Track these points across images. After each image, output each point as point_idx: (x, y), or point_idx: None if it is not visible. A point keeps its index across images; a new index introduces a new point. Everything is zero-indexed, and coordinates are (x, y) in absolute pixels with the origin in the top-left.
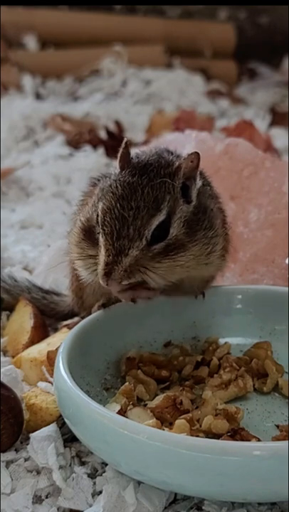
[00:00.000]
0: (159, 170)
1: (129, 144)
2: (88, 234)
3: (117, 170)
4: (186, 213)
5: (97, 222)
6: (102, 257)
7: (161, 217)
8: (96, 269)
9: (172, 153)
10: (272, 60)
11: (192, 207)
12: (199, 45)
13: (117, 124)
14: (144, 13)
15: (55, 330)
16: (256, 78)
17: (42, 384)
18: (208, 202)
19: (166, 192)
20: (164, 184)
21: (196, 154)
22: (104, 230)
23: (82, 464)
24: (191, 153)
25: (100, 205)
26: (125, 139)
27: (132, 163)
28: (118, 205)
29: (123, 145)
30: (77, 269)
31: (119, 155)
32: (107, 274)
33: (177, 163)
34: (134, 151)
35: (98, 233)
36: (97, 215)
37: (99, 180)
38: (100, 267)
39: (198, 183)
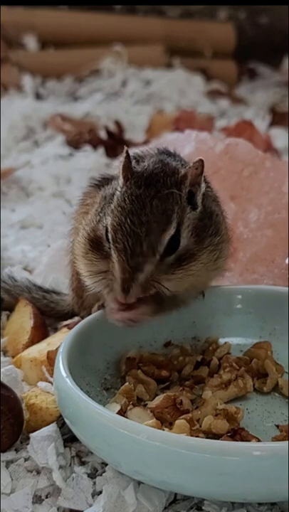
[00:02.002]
0: (165, 180)
1: (130, 153)
2: (95, 245)
3: (121, 181)
4: (193, 220)
5: (107, 237)
6: (117, 274)
7: (171, 230)
8: (104, 279)
9: (174, 156)
10: (272, 60)
11: (198, 213)
12: (199, 45)
13: (117, 124)
14: (144, 13)
15: (55, 330)
16: (256, 78)
17: (42, 384)
18: (213, 206)
19: (175, 203)
20: (171, 195)
21: (201, 161)
22: (116, 247)
23: (82, 463)
24: (196, 161)
25: (109, 220)
26: (126, 149)
27: (135, 174)
28: (128, 220)
29: (124, 154)
30: (85, 281)
31: (120, 165)
32: (125, 291)
33: (183, 172)
34: (133, 151)
35: (109, 248)
36: (106, 230)
37: (100, 181)
38: (117, 285)
39: (203, 187)
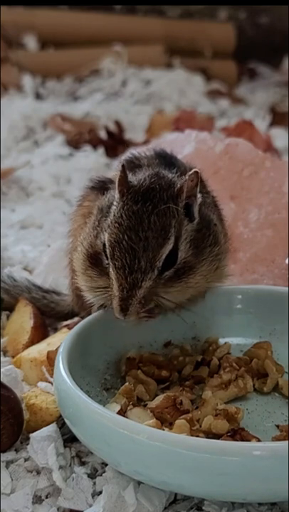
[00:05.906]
0: (162, 194)
1: (126, 167)
2: (94, 261)
3: (117, 195)
4: (190, 232)
5: (105, 252)
6: (115, 291)
7: (170, 245)
8: (104, 294)
9: (170, 158)
10: (272, 60)
11: (195, 224)
12: (199, 45)
13: (117, 124)
14: (144, 13)
15: (55, 330)
16: (256, 78)
17: (42, 384)
18: (211, 215)
19: (172, 217)
20: (168, 210)
21: (196, 173)
22: (114, 264)
23: (82, 464)
24: (191, 173)
25: (106, 236)
26: (122, 163)
27: (132, 188)
28: (126, 236)
29: (120, 168)
30: (86, 297)
31: (117, 179)
32: (124, 309)
33: (179, 185)
34: (131, 152)
35: (107, 264)
36: (104, 245)
37: (97, 183)
38: (116, 303)
39: (199, 198)
